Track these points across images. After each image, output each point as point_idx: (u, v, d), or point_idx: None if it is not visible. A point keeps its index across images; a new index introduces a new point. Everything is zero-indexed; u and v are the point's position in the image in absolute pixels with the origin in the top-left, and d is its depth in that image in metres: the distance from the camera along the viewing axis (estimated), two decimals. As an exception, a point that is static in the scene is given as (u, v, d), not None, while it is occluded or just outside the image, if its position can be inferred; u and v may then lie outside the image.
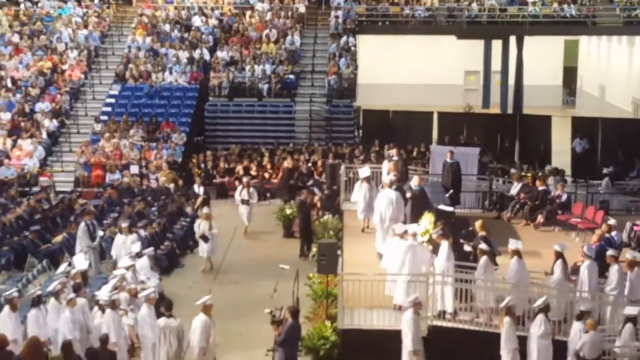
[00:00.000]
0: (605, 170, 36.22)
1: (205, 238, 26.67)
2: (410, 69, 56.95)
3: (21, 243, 26.03)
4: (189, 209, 31.28)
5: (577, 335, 17.53)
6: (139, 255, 22.77)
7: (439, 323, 19.20)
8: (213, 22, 44.40)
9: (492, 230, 21.93)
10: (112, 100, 39.83)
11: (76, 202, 31.31)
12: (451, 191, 27.30)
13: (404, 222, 22.39)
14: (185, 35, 43.34)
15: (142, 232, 26.16)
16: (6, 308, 18.32)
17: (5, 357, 16.51)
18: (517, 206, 27.82)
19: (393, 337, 18.65)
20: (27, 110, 38.30)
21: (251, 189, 30.91)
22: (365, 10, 45.54)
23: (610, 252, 20.14)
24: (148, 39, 42.80)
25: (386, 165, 27.02)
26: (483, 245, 19.81)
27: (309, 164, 35.90)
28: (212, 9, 45.47)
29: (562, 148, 40.01)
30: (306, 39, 43.73)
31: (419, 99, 51.76)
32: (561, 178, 33.03)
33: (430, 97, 52.84)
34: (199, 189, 32.96)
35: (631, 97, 50.81)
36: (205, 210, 28.21)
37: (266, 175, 36.01)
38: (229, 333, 20.27)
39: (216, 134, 39.93)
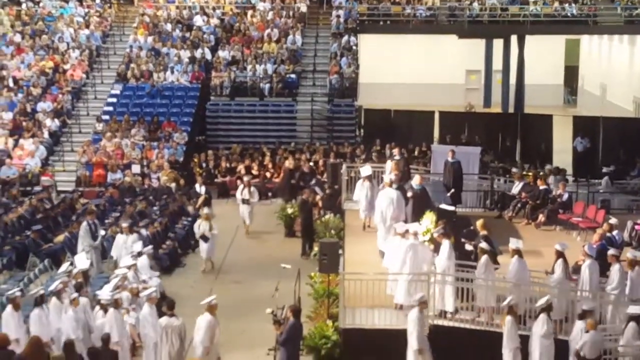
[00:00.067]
0: (605, 170, 36.21)
1: (205, 238, 26.68)
2: (412, 69, 56.99)
3: (23, 242, 26.04)
4: (190, 209, 31.33)
5: (579, 335, 17.54)
6: (139, 254, 22.81)
7: (440, 322, 19.21)
8: (214, 21, 44.41)
9: (493, 230, 21.95)
10: (114, 100, 39.85)
11: (78, 201, 31.35)
12: (452, 190, 27.28)
13: (405, 221, 22.40)
14: (187, 34, 43.36)
15: (144, 232, 26.19)
16: (9, 307, 18.34)
17: (7, 357, 16.51)
18: (519, 205, 27.83)
19: (394, 337, 18.69)
20: (28, 109, 38.34)
21: (252, 189, 30.91)
22: (367, 10, 45.57)
23: (611, 251, 20.16)
24: (150, 39, 42.82)
25: (389, 165, 27.07)
26: (484, 245, 19.83)
27: (311, 164, 35.91)
28: (214, 9, 45.49)
29: (563, 147, 40.02)
30: (308, 39, 43.74)
31: (420, 99, 51.81)
32: (562, 177, 33.07)
33: (432, 96, 52.89)
34: (200, 188, 32.98)
35: (632, 96, 50.81)
36: (205, 210, 28.23)
37: (268, 174, 36.03)
38: (230, 332, 20.27)
39: (218, 133, 39.92)
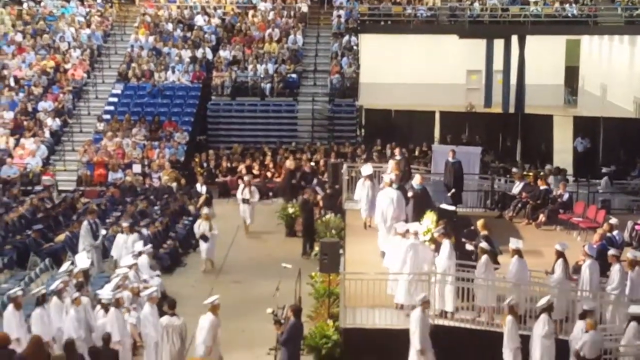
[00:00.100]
0: (604, 170, 36.23)
1: (205, 238, 26.69)
2: (413, 69, 56.99)
3: (24, 242, 26.05)
4: (191, 208, 31.34)
5: (580, 334, 17.56)
6: (140, 253, 22.84)
7: (440, 322, 19.23)
8: (216, 21, 44.42)
9: (494, 230, 21.96)
10: (115, 100, 39.89)
11: (79, 201, 31.38)
12: (453, 190, 27.31)
13: (406, 221, 22.42)
14: (188, 34, 43.38)
15: (145, 231, 26.22)
16: (10, 307, 18.35)
17: (7, 356, 16.53)
18: (519, 205, 27.84)
19: (395, 336, 18.71)
20: (29, 109, 38.38)
21: (252, 188, 30.95)
22: (368, 10, 45.57)
23: (611, 251, 20.17)
24: (151, 38, 42.84)
25: (391, 165, 27.10)
26: (484, 244, 19.86)
27: (312, 163, 35.93)
28: (215, 8, 45.51)
29: (563, 147, 40.03)
30: (308, 39, 43.76)
31: (421, 98, 51.82)
32: (563, 177, 33.09)
33: (433, 96, 52.90)
34: (201, 188, 32.99)
35: (633, 97, 50.82)
36: (205, 210, 28.22)
37: (268, 174, 36.05)
38: (230, 332, 20.30)
39: (219, 133, 39.95)
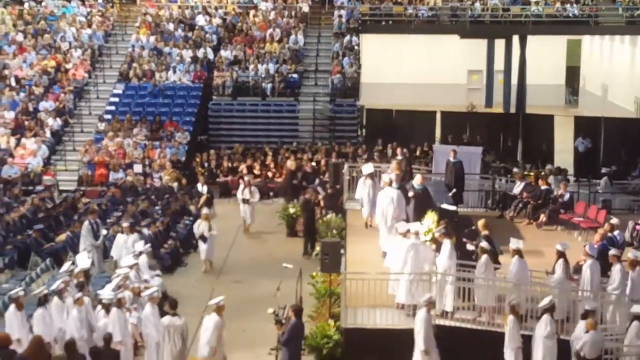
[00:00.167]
0: (603, 170, 36.21)
1: (204, 238, 26.66)
2: (414, 69, 57.01)
3: (25, 242, 26.05)
4: (192, 208, 31.34)
5: (582, 334, 17.57)
6: (140, 253, 22.84)
7: (441, 322, 19.22)
8: (217, 21, 44.44)
9: (494, 230, 21.92)
10: (116, 99, 39.91)
11: (80, 201, 31.39)
12: (454, 190, 27.34)
13: (407, 221, 22.42)
14: (189, 34, 43.40)
15: (146, 231, 26.22)
16: (12, 307, 18.34)
17: (8, 357, 16.53)
18: (520, 205, 27.83)
19: (396, 336, 18.71)
20: (30, 109, 38.39)
21: (252, 188, 30.96)
22: (369, 10, 45.57)
23: (612, 251, 20.14)
24: (152, 38, 42.85)
25: (394, 165, 27.11)
26: (484, 244, 19.85)
27: (313, 163, 35.94)
28: (216, 8, 45.53)
29: (564, 147, 40.02)
30: (310, 38, 43.77)
31: (422, 98, 51.84)
32: (564, 177, 33.08)
33: (433, 96, 52.92)
34: (202, 187, 33.00)
35: (634, 97, 50.82)
36: (204, 210, 28.20)
37: (269, 174, 36.06)
38: (231, 332, 20.28)
39: (220, 133, 39.97)
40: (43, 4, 45.80)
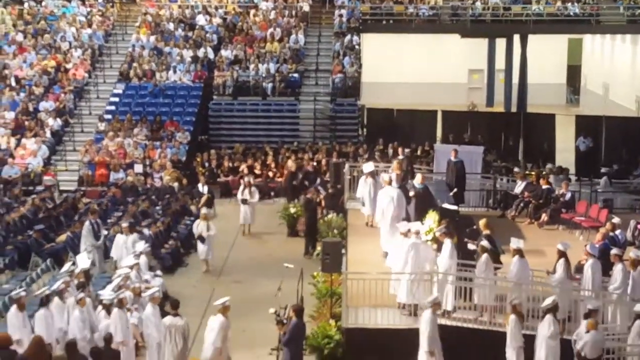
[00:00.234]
0: (603, 170, 36.15)
1: (202, 239, 26.60)
2: (414, 68, 57.01)
3: (25, 242, 26.04)
4: (193, 208, 31.31)
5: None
6: (141, 253, 22.81)
7: (443, 322, 19.17)
8: (217, 20, 44.42)
9: (496, 229, 21.89)
10: (116, 99, 39.88)
11: (80, 201, 31.37)
12: (455, 190, 27.33)
13: (407, 220, 22.39)
14: (190, 34, 43.38)
15: (146, 231, 26.19)
16: (13, 308, 18.33)
17: (9, 357, 16.50)
18: (521, 205, 27.79)
19: (397, 336, 18.68)
20: (31, 109, 38.37)
21: (252, 189, 30.92)
22: (370, 9, 45.56)
23: (614, 250, 20.10)
24: (152, 38, 42.83)
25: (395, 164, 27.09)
26: (484, 243, 19.81)
27: (314, 163, 35.90)
28: (216, 8, 45.51)
29: (566, 146, 39.99)
30: (310, 38, 43.74)
31: (423, 98, 51.82)
32: (565, 176, 33.03)
33: (434, 95, 52.92)
34: (203, 187, 32.96)
35: (635, 96, 50.80)
36: (203, 210, 28.14)
37: (270, 174, 36.01)
38: (232, 332, 20.24)
39: (220, 132, 39.95)
40: (43, 3, 45.78)
